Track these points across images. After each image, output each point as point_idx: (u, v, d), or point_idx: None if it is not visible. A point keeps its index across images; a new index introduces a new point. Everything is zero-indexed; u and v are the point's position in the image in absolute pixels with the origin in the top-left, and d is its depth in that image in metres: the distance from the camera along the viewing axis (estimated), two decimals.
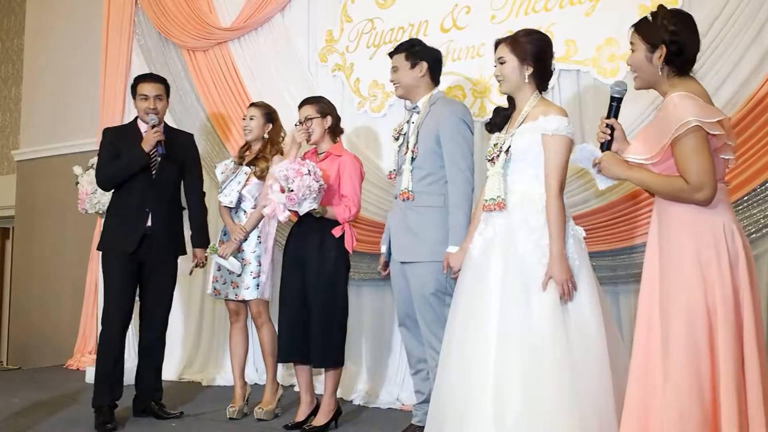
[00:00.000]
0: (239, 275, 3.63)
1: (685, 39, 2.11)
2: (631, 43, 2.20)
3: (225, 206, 3.74)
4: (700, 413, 1.96)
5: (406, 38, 4.08)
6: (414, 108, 3.18)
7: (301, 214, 3.20)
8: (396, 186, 3.19)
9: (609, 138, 2.23)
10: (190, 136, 3.89)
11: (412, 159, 3.08)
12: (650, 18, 2.16)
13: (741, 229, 2.10)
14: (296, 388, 3.84)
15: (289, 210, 3.18)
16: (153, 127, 3.51)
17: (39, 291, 6.13)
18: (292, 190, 3.09)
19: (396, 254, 3.14)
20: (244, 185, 3.68)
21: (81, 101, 5.86)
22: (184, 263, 3.80)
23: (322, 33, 4.56)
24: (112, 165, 3.56)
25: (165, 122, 3.73)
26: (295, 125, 3.44)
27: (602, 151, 2.23)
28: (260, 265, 3.65)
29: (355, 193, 3.36)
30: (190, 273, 3.92)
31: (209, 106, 4.92)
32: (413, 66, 3.15)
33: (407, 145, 3.12)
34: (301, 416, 3.41)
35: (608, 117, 2.26)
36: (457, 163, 3.02)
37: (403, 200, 3.09)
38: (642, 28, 2.17)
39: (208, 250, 3.75)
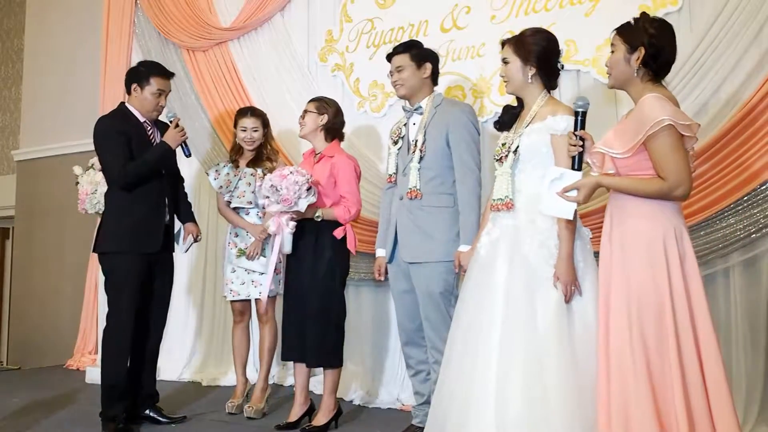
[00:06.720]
0: (262, 273, 3.67)
1: (663, 44, 2.23)
2: (612, 44, 2.31)
3: (236, 207, 3.78)
4: (648, 407, 2.05)
5: (406, 38, 4.09)
6: (416, 109, 3.17)
7: (302, 210, 3.18)
8: (399, 187, 3.17)
9: (581, 149, 2.29)
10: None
11: (420, 158, 3.06)
12: (632, 22, 2.28)
13: (688, 232, 2.22)
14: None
15: (291, 216, 3.19)
16: (177, 125, 3.40)
17: (39, 291, 6.12)
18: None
19: (404, 254, 3.10)
20: (255, 185, 3.70)
21: (81, 101, 5.86)
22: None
23: (322, 33, 4.56)
24: (139, 162, 3.34)
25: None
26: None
27: (573, 167, 2.28)
28: (280, 262, 3.66)
29: (353, 193, 3.35)
30: (186, 251, 3.77)
31: (209, 106, 4.91)
32: (419, 67, 3.14)
33: (414, 145, 3.10)
34: (293, 417, 3.39)
35: (575, 130, 2.32)
36: (467, 163, 3.03)
37: (411, 199, 3.06)
38: (624, 30, 2.29)
39: (236, 253, 3.74)
